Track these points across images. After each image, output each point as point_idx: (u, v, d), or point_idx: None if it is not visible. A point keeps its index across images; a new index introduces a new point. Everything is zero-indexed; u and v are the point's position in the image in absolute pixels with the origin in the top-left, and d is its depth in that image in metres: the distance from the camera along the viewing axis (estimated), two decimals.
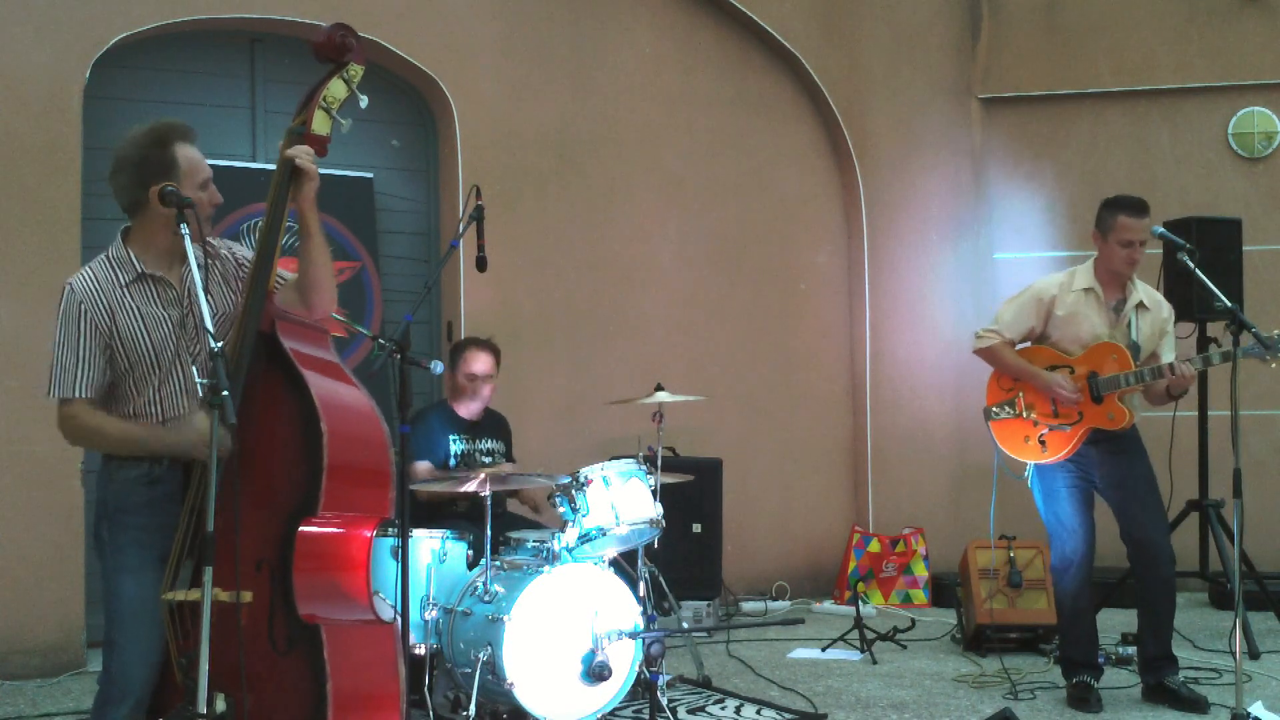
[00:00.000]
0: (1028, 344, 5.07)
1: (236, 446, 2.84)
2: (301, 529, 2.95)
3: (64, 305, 3.11)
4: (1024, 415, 4.98)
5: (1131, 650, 5.47)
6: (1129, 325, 4.93)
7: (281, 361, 3.06)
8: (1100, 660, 5.02)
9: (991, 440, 5.08)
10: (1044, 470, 4.98)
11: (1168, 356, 4.95)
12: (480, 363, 5.53)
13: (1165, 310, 5.06)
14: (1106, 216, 4.92)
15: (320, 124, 3.18)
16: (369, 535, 2.93)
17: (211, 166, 3.21)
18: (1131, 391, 4.87)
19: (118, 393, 3.14)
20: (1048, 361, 4.97)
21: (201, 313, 2.86)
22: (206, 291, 2.94)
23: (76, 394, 3.09)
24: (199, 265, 2.92)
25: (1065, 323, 4.95)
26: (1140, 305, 4.95)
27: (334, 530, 2.96)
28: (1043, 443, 4.93)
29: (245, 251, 3.30)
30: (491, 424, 5.68)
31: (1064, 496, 4.92)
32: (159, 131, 3.12)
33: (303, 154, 3.14)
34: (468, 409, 5.54)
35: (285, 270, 3.31)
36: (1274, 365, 4.56)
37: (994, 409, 5.07)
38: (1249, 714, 4.26)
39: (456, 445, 5.50)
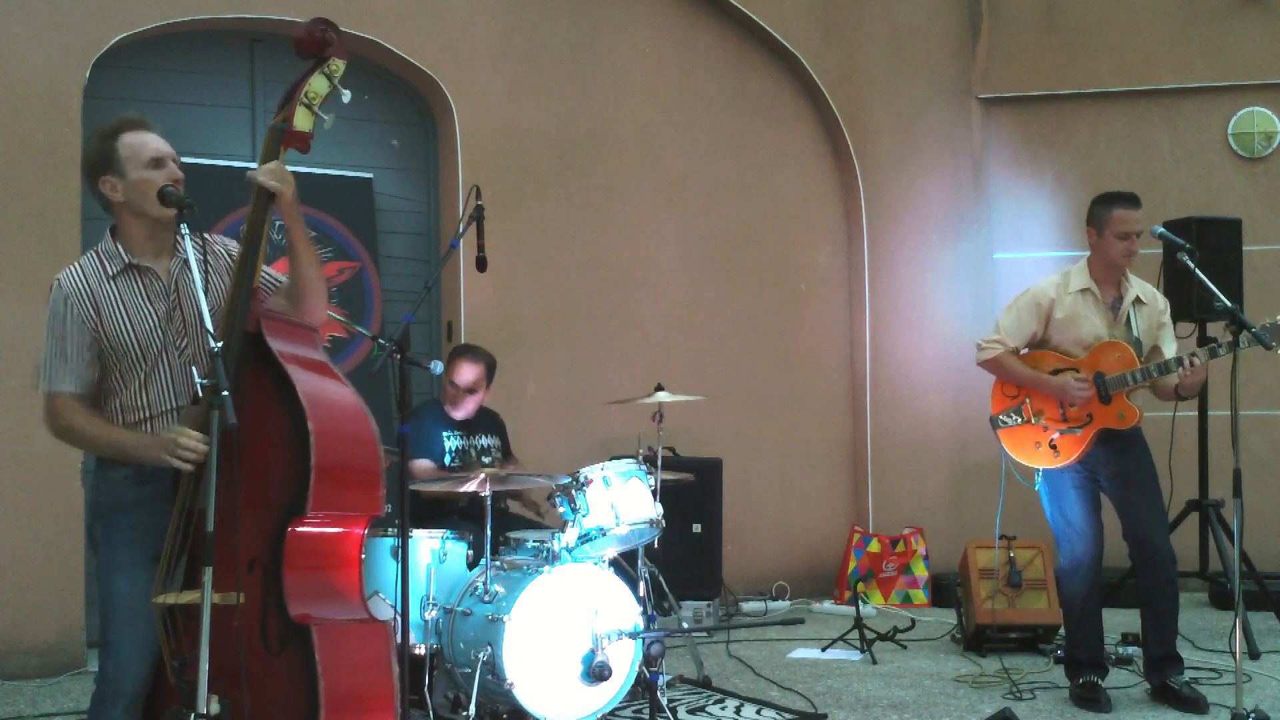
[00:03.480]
0: (1026, 350, 5.03)
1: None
2: (293, 528, 2.94)
3: (51, 301, 3.11)
4: (1033, 421, 4.91)
5: (1132, 650, 5.47)
6: (1128, 322, 4.90)
7: (268, 361, 3.04)
8: (1107, 660, 5.01)
9: (1001, 449, 5.00)
10: (1052, 472, 4.92)
11: (1169, 350, 4.92)
12: (465, 374, 5.49)
13: (1161, 303, 5.03)
14: (1100, 211, 4.89)
15: (302, 120, 3.14)
16: (360, 533, 2.92)
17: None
18: (1139, 389, 4.84)
19: (105, 386, 3.14)
20: (1052, 365, 4.91)
21: (201, 311, 2.85)
22: (205, 287, 2.92)
23: (63, 389, 3.09)
24: (198, 264, 2.91)
25: (1066, 325, 4.90)
26: (1137, 300, 4.92)
27: (325, 529, 2.95)
28: (1054, 447, 4.86)
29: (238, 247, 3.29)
30: (485, 420, 5.68)
31: (1073, 499, 4.87)
32: (106, 128, 3.15)
33: (263, 174, 3.08)
34: (455, 412, 5.55)
35: (281, 273, 3.30)
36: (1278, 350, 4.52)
37: (1001, 417, 4.99)
38: (1249, 713, 4.26)
39: (452, 441, 5.50)
